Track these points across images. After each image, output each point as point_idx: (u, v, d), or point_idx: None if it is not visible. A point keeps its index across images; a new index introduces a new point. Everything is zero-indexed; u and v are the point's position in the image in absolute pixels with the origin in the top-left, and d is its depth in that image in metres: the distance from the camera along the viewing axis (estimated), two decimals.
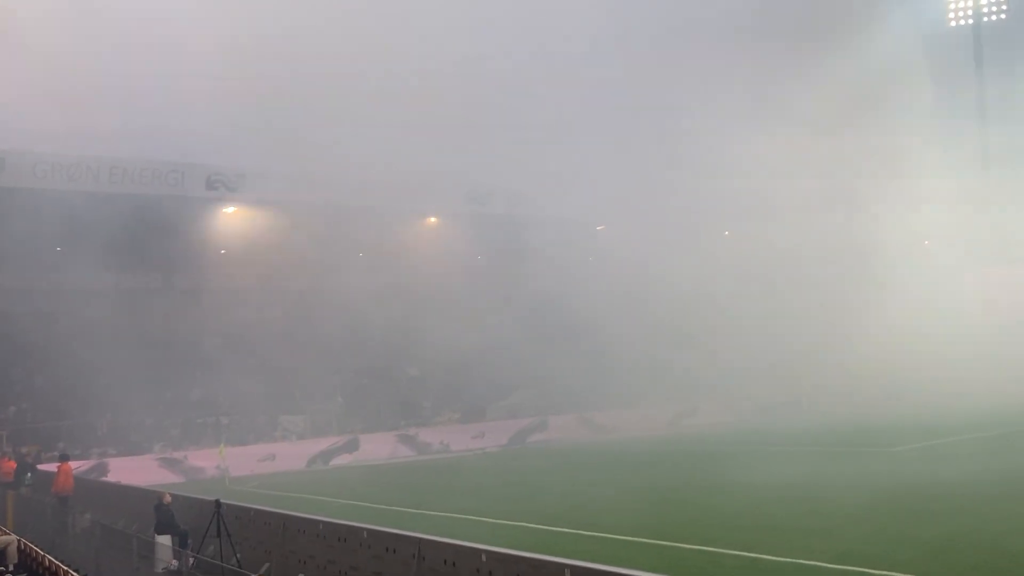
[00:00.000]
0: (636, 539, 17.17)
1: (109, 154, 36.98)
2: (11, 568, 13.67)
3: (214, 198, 40.70)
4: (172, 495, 19.34)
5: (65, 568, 11.83)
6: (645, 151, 44.71)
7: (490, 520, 20.24)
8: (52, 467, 25.48)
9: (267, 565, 15.80)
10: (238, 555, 16.11)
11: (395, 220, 45.04)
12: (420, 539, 12.67)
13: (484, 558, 11.21)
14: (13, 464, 27.73)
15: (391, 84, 36.61)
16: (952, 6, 57.68)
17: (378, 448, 38.48)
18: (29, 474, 26.59)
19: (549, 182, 45.23)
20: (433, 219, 47.70)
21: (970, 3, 57.35)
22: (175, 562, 17.20)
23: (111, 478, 30.15)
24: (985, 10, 57.14)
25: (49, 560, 12.62)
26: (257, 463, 35.35)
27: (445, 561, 11.91)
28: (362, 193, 42.35)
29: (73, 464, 25.62)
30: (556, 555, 11.01)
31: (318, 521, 15.44)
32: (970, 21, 57.37)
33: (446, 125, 38.52)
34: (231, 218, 41.85)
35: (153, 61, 32.92)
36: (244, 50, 32.59)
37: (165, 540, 18.03)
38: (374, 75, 36.27)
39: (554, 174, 44.78)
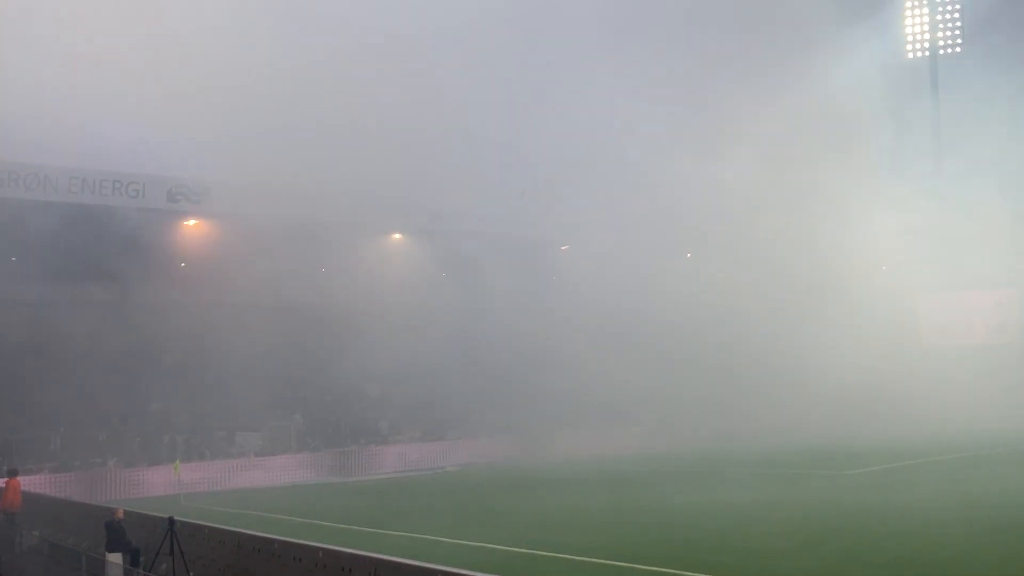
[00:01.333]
0: (594, 560, 17.18)
1: (69, 164, 36.41)
2: None
3: (176, 211, 40.22)
4: (124, 511, 18.98)
5: None
6: (608, 172, 45.12)
7: (448, 540, 20.14)
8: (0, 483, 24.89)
9: None
10: (191, 574, 15.87)
11: (358, 237, 44.82)
12: (377, 559, 12.57)
13: None
14: None
15: (354, 100, 36.55)
16: (910, 38, 59.08)
17: (336, 466, 38.30)
18: None
19: (513, 202, 45.48)
20: (398, 235, 47.59)
21: (927, 35, 58.81)
22: None
23: (62, 494, 29.53)
24: (941, 43, 58.60)
25: None
26: (213, 480, 34.90)
27: None
28: (326, 208, 42.17)
29: (23, 479, 25.05)
30: None
31: (273, 540, 15.26)
32: (927, 53, 58.80)
33: (409, 143, 38.59)
34: (192, 231, 41.39)
35: (115, 71, 32.54)
36: (210, 63, 32.38)
37: (116, 558, 17.67)
38: (338, 91, 36.21)
39: (519, 195, 45.05)
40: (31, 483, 27.99)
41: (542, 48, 41.80)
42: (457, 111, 39.58)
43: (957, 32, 58.36)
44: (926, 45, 58.80)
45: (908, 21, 59.18)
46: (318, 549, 13.92)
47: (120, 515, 18.47)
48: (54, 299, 40.87)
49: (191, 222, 41.17)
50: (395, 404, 44.47)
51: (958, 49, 58.11)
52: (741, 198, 45.51)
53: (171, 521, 16.19)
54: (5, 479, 23.99)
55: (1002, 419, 42.43)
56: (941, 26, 58.70)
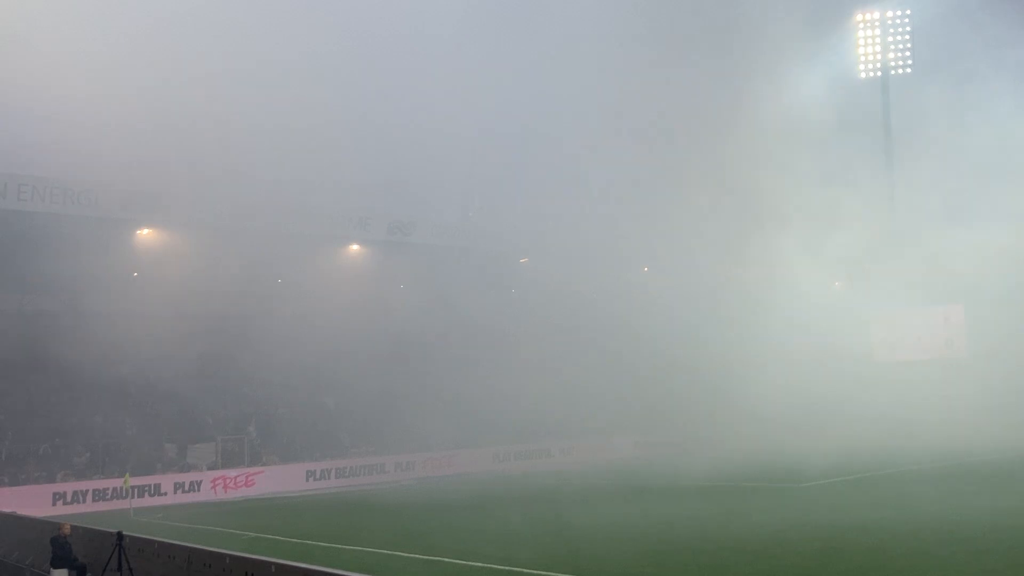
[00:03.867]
0: (547, 574, 17.14)
1: (18, 171, 35.65)
2: None
3: (128, 219, 39.54)
4: (71, 526, 18.52)
5: None
6: (569, 185, 45.47)
7: (405, 555, 19.97)
8: None
9: None
10: None
11: (316, 247, 44.50)
12: (331, 574, 12.41)
13: None
14: None
15: (315, 111, 36.37)
16: (862, 59, 60.42)
17: (290, 479, 37.85)
18: None
19: (476, 214, 45.59)
20: (356, 247, 47.32)
21: (879, 57, 60.19)
22: None
23: (5, 508, 28.75)
24: (892, 63, 60.03)
25: None
26: (165, 493, 34.29)
27: None
28: (283, 219, 41.86)
29: None
30: None
31: (225, 555, 14.98)
32: (879, 74, 60.18)
33: (370, 153, 38.49)
34: (145, 240, 40.73)
35: (69, 76, 31.99)
36: (167, 71, 32.00)
37: (61, 575, 17.25)
38: (297, 100, 36.00)
39: (481, 207, 45.18)
40: None
41: (505, 60, 42.02)
42: (421, 121, 39.62)
43: (908, 53, 59.84)
44: (878, 65, 60.18)
45: (861, 42, 60.53)
46: (271, 564, 13.71)
47: (66, 530, 18.03)
48: (2, 308, 39.97)
49: (144, 231, 40.54)
50: (354, 416, 44.12)
51: (908, 70, 59.59)
52: (692, 212, 46.06)
53: (119, 536, 15.85)
54: None
55: (951, 433, 43.25)
56: (892, 47, 60.14)
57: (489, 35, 41.95)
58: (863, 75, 60.58)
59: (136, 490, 32.73)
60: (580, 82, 43.16)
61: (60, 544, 17.70)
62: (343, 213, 44.94)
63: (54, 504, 31.55)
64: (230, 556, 14.83)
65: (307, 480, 38.38)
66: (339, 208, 44.43)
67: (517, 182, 45.59)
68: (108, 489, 33.13)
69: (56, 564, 17.48)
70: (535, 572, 16.93)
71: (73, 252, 36.95)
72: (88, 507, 32.00)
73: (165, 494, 34.45)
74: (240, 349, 41.08)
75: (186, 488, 35.24)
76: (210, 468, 37.53)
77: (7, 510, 27.90)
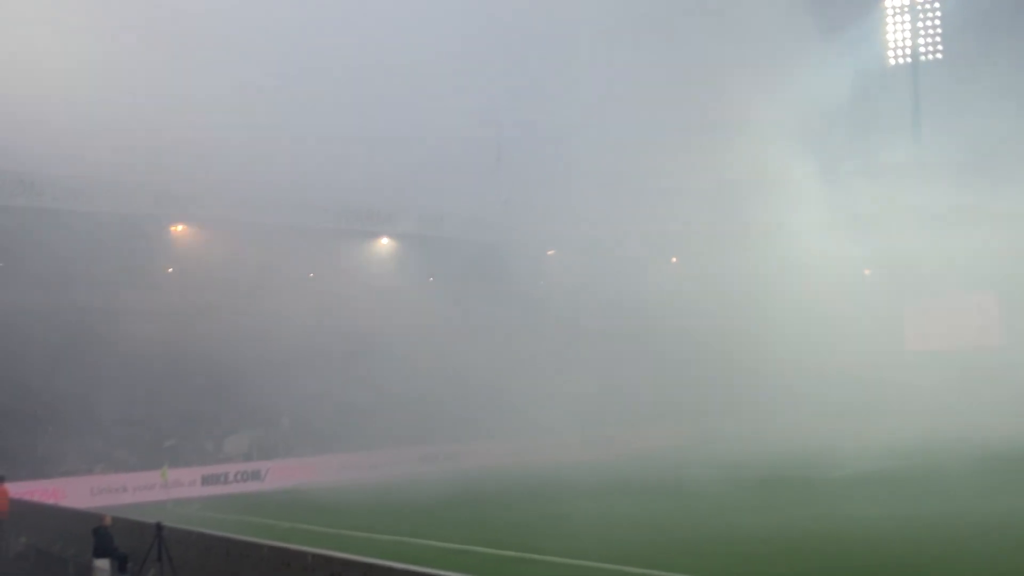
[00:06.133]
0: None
1: (54, 171, 36.34)
2: None
3: (163, 216, 40.20)
4: (112, 518, 18.92)
5: None
6: (598, 178, 45.44)
7: (438, 544, 20.22)
8: None
9: None
10: None
11: (345, 241, 44.92)
12: (368, 564, 12.62)
13: None
14: None
15: (342, 104, 36.71)
16: (891, 45, 59.66)
17: (325, 471, 38.22)
18: None
19: (501, 207, 45.72)
20: (385, 240, 47.66)
21: (908, 42, 59.39)
22: None
23: (48, 500, 29.39)
24: (922, 49, 59.19)
25: None
26: (201, 485, 34.84)
27: None
28: (313, 213, 42.29)
29: (9, 486, 24.93)
30: None
31: (262, 545, 15.24)
32: (908, 59, 59.37)
33: (397, 146, 38.74)
34: (179, 236, 41.35)
35: (97, 74, 32.53)
36: (195, 66, 32.43)
37: (103, 564, 17.63)
38: (326, 94, 36.35)
39: (506, 199, 45.30)
40: (16, 490, 27.86)
41: (530, 54, 42.07)
42: (446, 117, 39.81)
43: (938, 39, 58.98)
44: (907, 51, 59.38)
45: (890, 28, 59.77)
46: (307, 553, 13.94)
47: (107, 521, 18.42)
48: (37, 305, 40.69)
49: (178, 228, 41.16)
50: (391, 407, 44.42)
51: (939, 55, 58.72)
52: (723, 201, 45.88)
53: (159, 527, 16.16)
54: None
55: (986, 423, 42.70)
56: (922, 33, 59.31)
57: (517, 23, 42.04)
58: (892, 62, 59.83)
59: (173, 482, 33.27)
60: (607, 70, 43.09)
61: (102, 535, 18.08)
62: (372, 207, 45.32)
63: (93, 496, 32.13)
64: (267, 546, 15.10)
65: (340, 471, 38.67)
66: (368, 202, 44.81)
67: (545, 175, 45.64)
68: (146, 481, 33.70)
69: (98, 554, 17.86)
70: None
71: (108, 248, 37.63)
72: (126, 499, 32.57)
73: (202, 485, 34.99)
74: (271, 341, 41.58)
75: (222, 480, 35.76)
76: (245, 459, 38.04)
77: (48, 502, 28.59)
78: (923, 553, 16.96)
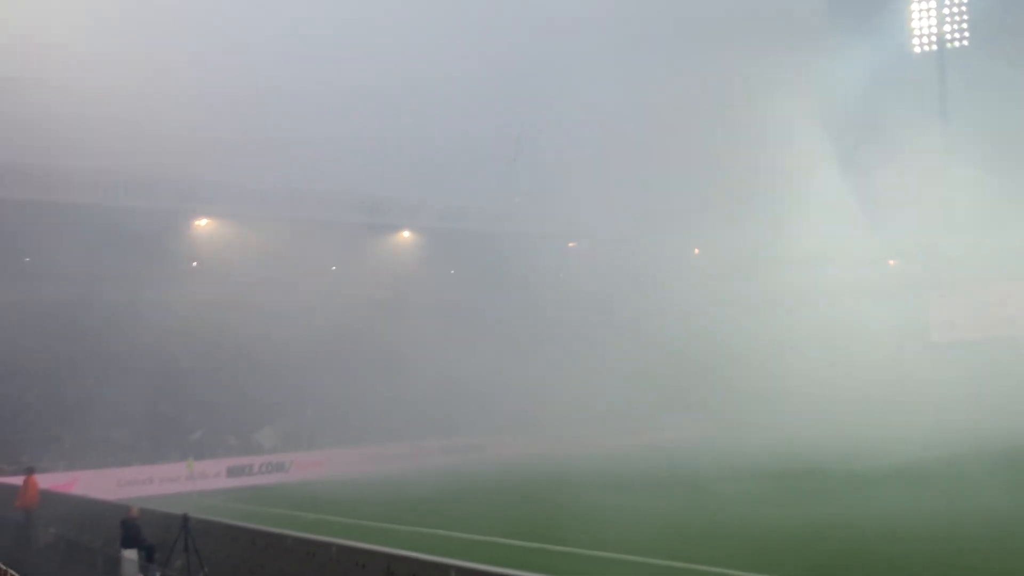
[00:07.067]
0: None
1: (82, 165, 36.74)
2: None
3: (188, 210, 40.55)
4: (139, 509, 19.15)
5: None
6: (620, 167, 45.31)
7: (461, 535, 20.29)
8: (17, 480, 25.14)
9: None
10: (205, 570, 16.02)
11: (368, 234, 45.09)
12: (390, 554, 12.69)
13: (454, 573, 11.27)
14: None
15: (365, 100, 36.82)
16: (917, 33, 58.91)
17: (347, 462, 38.45)
18: None
19: (522, 199, 45.67)
20: (407, 233, 47.81)
21: (934, 29, 58.60)
22: None
23: (76, 491, 29.78)
24: (949, 37, 58.40)
25: (11, 575, 12.49)
26: (226, 477, 35.16)
27: None
28: (335, 208, 42.48)
29: (37, 478, 25.28)
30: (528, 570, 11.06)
31: (286, 536, 15.37)
32: (934, 47, 58.60)
33: (420, 142, 38.82)
34: (204, 230, 41.69)
35: (126, 72, 32.84)
36: (221, 65, 32.62)
37: (131, 555, 17.84)
38: (349, 92, 36.47)
39: (529, 191, 45.26)
40: (47, 481, 28.26)
41: (551, 49, 41.97)
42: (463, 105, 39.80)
43: (964, 26, 58.16)
44: (933, 39, 58.61)
45: (915, 15, 59.01)
46: (331, 544, 14.05)
47: (135, 512, 18.65)
48: (64, 299, 41.18)
49: (202, 222, 41.49)
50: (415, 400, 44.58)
51: (965, 43, 57.92)
52: (747, 189, 45.50)
53: (185, 518, 16.35)
54: (23, 477, 24.24)
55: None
56: (948, 20, 58.50)
57: (537, 17, 41.96)
58: (917, 49, 59.10)
59: (198, 474, 33.62)
60: (628, 62, 42.89)
61: (130, 526, 18.31)
62: (395, 200, 45.49)
63: (120, 488, 32.51)
64: (292, 537, 15.23)
65: (363, 463, 38.88)
66: (391, 195, 44.96)
67: (565, 165, 45.59)
68: (172, 473, 34.06)
69: (126, 545, 18.09)
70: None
71: (134, 243, 37.98)
72: (153, 490, 32.94)
73: (227, 477, 35.32)
74: (296, 334, 41.86)
75: (247, 472, 36.07)
76: (271, 452, 38.36)
77: (79, 493, 28.97)
78: (941, 550, 16.82)
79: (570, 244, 52.42)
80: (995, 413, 42.91)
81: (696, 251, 52.04)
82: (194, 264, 42.54)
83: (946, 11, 58.46)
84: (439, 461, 40.20)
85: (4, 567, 13.21)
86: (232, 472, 35.79)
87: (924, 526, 18.81)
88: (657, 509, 23.12)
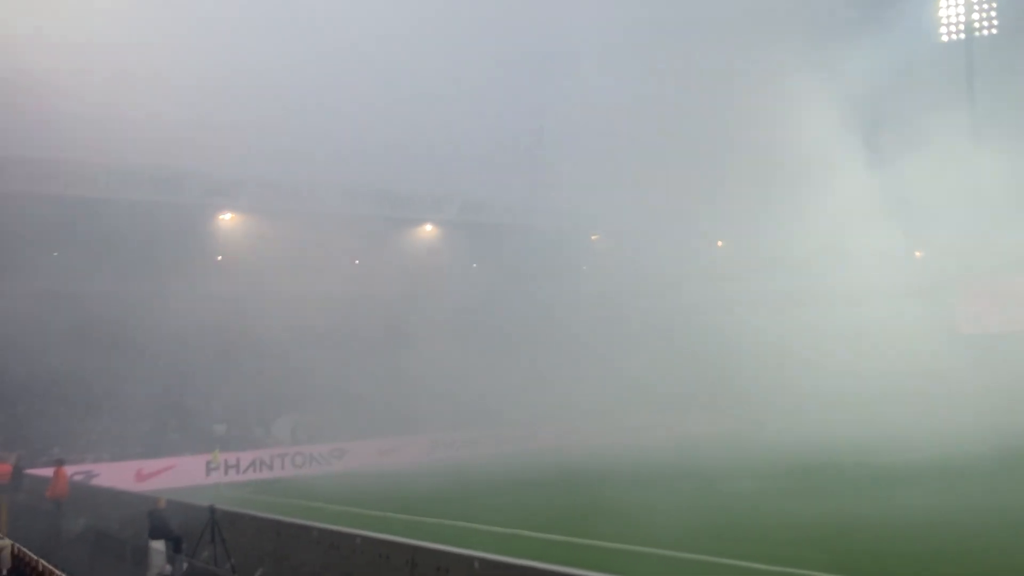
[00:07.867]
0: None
1: (105, 159, 37.09)
2: (4, 572, 13.68)
3: (211, 205, 40.86)
4: (166, 500, 19.36)
5: (59, 573, 11.88)
6: (639, 159, 45.06)
7: (485, 528, 20.35)
8: (47, 471, 25.50)
9: (260, 571, 15.88)
10: (232, 561, 16.18)
11: (390, 228, 45.22)
12: (414, 546, 12.77)
13: (477, 565, 11.32)
14: (8, 468, 27.68)
15: (387, 95, 36.90)
16: (944, 21, 58.13)
17: (371, 455, 38.67)
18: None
19: (543, 192, 45.59)
20: (429, 227, 47.89)
21: (962, 17, 57.78)
22: (169, 567, 17.25)
23: (103, 483, 30.16)
24: (977, 24, 57.58)
25: (43, 565, 12.63)
26: (251, 469, 35.46)
27: (438, 568, 12.00)
28: (358, 202, 42.65)
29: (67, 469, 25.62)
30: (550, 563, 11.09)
31: (311, 527, 15.52)
32: (962, 36, 57.79)
33: (438, 135, 38.86)
34: (227, 225, 41.99)
35: (150, 67, 33.05)
36: (244, 60, 32.78)
37: (159, 546, 18.04)
38: (370, 85, 36.55)
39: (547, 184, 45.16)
40: (75, 473, 28.63)
41: (570, 36, 41.83)
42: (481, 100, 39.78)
43: (993, 14, 57.32)
44: (961, 28, 57.81)
45: (943, 4, 58.22)
46: (355, 536, 14.16)
47: (162, 504, 18.85)
48: (91, 293, 41.60)
49: (226, 216, 41.80)
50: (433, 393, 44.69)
51: (994, 31, 57.09)
52: (771, 183, 45.10)
53: (212, 509, 16.51)
54: (53, 468, 24.57)
55: None
56: (977, 8, 57.67)
57: (554, 8, 41.82)
58: (945, 38, 58.31)
59: (224, 465, 33.92)
60: (650, 53, 42.62)
61: (157, 517, 18.51)
62: (418, 194, 45.61)
63: (147, 480, 32.88)
64: (317, 528, 15.37)
65: (388, 455, 39.08)
66: (414, 189, 45.07)
67: (587, 158, 45.38)
68: (198, 465, 34.39)
69: (154, 536, 18.29)
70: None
71: (159, 236, 38.33)
72: (179, 482, 33.25)
73: (252, 469, 35.61)
74: (317, 327, 42.06)
75: (271, 464, 36.33)
76: (294, 443, 38.62)
77: (106, 485, 29.35)
78: (968, 547, 16.66)
79: (593, 237, 52.28)
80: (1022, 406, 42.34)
81: (719, 243, 51.73)
82: (219, 258, 42.86)
83: None
84: (461, 453, 40.30)
85: (36, 557, 13.40)
86: (257, 464, 36.07)
87: (950, 522, 18.64)
88: (681, 503, 23.06)
